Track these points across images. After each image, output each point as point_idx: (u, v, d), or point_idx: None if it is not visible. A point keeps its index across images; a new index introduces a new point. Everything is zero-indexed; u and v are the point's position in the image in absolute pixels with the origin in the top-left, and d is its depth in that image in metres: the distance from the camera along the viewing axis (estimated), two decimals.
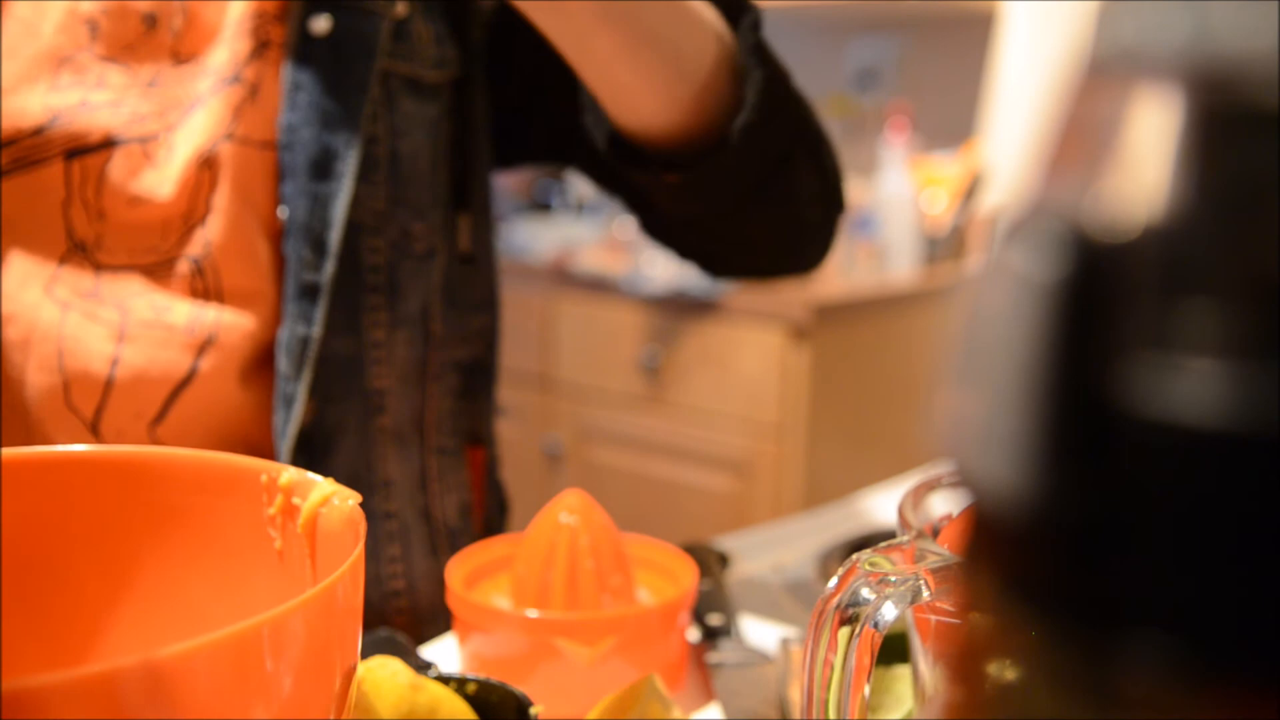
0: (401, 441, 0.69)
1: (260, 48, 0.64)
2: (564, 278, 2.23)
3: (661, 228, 0.77)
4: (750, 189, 0.67)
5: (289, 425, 0.63)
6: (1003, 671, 0.13)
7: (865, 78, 2.57)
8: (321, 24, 0.64)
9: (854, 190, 2.26)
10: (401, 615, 0.70)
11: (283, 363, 0.64)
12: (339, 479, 0.67)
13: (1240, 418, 0.11)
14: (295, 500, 0.36)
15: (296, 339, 0.64)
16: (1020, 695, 0.13)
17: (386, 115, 0.66)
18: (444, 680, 0.44)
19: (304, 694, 0.28)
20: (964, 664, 0.14)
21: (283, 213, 0.64)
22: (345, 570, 0.30)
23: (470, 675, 0.44)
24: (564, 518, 0.57)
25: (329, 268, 0.64)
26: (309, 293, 0.64)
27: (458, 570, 0.58)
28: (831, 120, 2.61)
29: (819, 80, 2.64)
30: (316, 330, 0.64)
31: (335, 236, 0.64)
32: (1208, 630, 0.11)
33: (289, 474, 0.37)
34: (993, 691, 0.14)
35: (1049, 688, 0.13)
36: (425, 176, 0.69)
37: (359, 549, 0.31)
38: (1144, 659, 0.12)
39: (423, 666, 0.48)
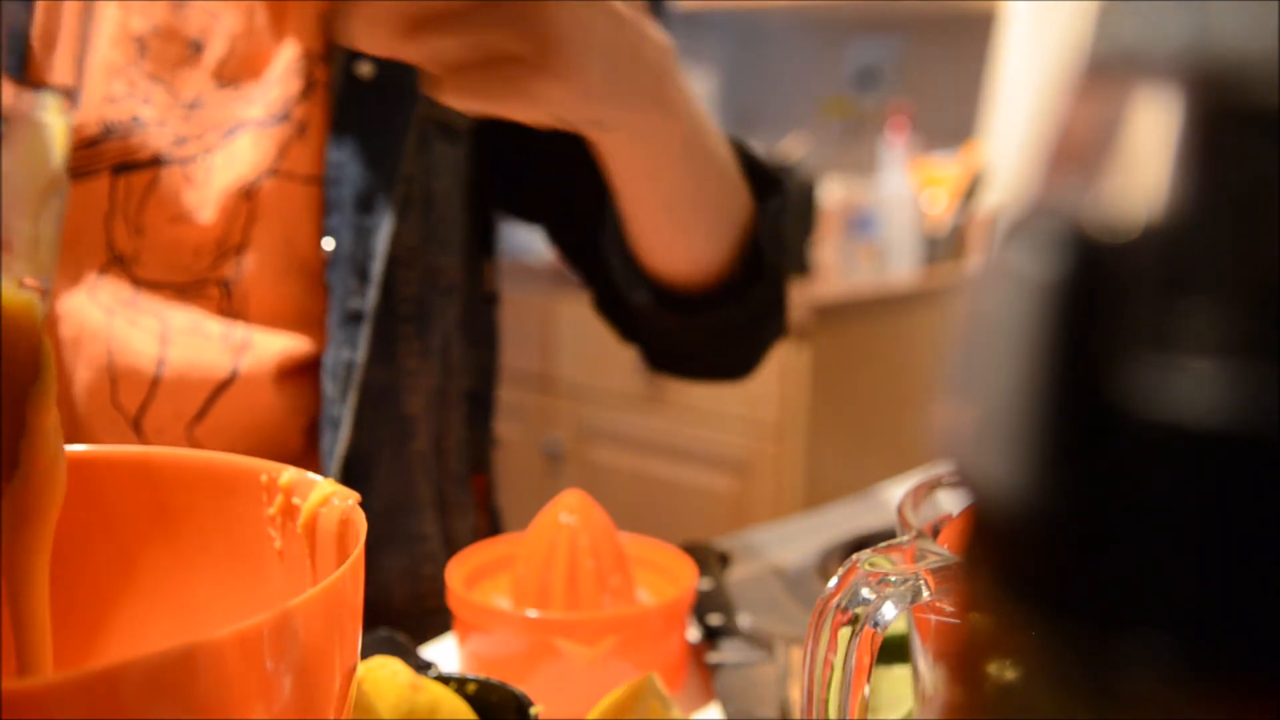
0: (426, 467, 0.72)
1: (309, 88, 0.66)
2: (564, 278, 2.23)
3: (615, 312, 0.80)
4: (731, 335, 0.73)
5: (336, 446, 0.66)
6: (1003, 671, 0.13)
7: (865, 78, 2.57)
8: (365, 68, 0.67)
9: (854, 190, 2.26)
10: (439, 632, 0.72)
11: (329, 386, 0.66)
12: (379, 503, 0.70)
13: (1240, 418, 0.11)
14: (295, 500, 0.36)
15: (342, 363, 0.66)
16: (1020, 695, 0.13)
17: (421, 156, 0.69)
18: (444, 680, 0.44)
19: (304, 694, 0.28)
20: (964, 664, 0.14)
21: (328, 244, 0.66)
22: (345, 570, 0.30)
23: (470, 675, 0.44)
24: (564, 518, 0.57)
25: (372, 295, 0.67)
26: (353, 319, 0.67)
27: (458, 570, 0.58)
28: (831, 120, 2.61)
29: (819, 80, 2.64)
30: (361, 355, 0.66)
31: (377, 267, 0.67)
32: (1208, 630, 0.11)
33: (289, 474, 0.37)
34: (993, 691, 0.14)
35: (1049, 688, 0.13)
36: (453, 215, 0.73)
37: (359, 549, 0.31)
38: (1144, 659, 0.12)
39: (423, 666, 0.48)
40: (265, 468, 0.37)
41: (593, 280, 0.80)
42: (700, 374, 0.80)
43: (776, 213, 0.70)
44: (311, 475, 0.37)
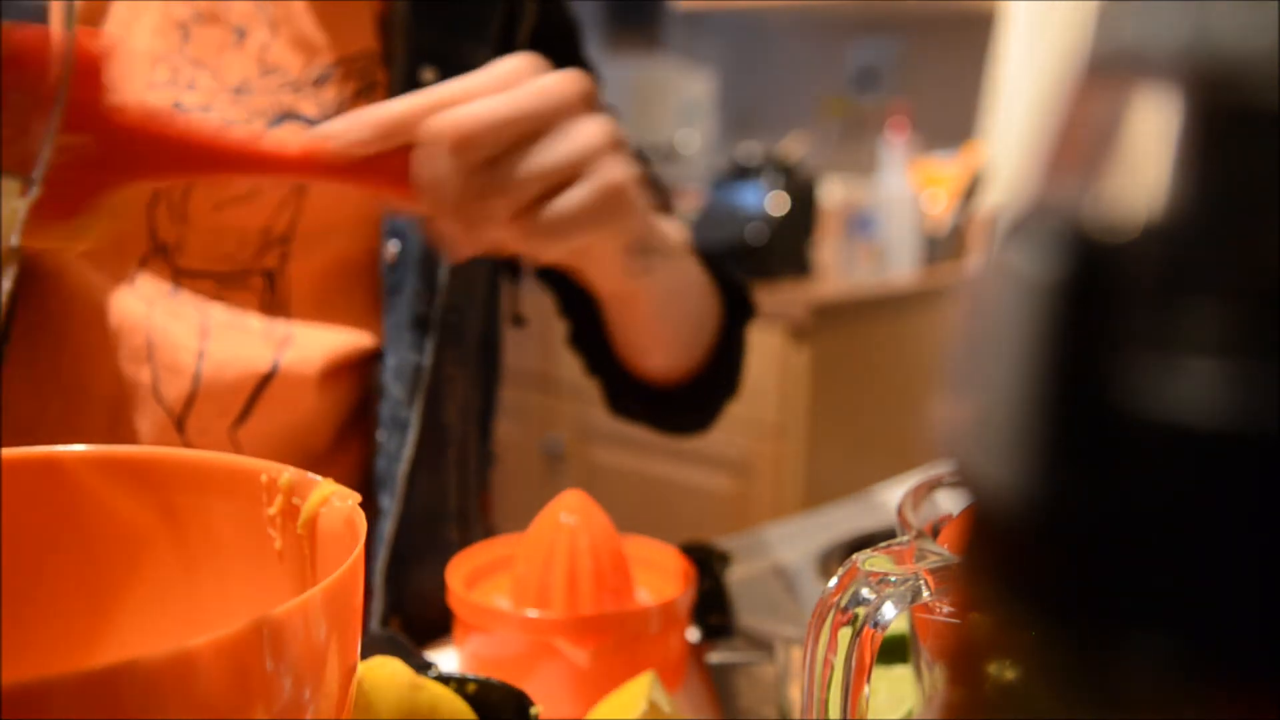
0: (452, 477, 0.73)
1: (368, 89, 0.66)
2: None
3: (585, 349, 0.82)
4: (693, 419, 0.80)
5: (405, 450, 0.67)
6: (1003, 671, 0.13)
7: (865, 78, 2.57)
8: (429, 76, 0.67)
9: (854, 190, 2.26)
10: None
11: (395, 388, 0.67)
12: (420, 511, 0.70)
13: (1240, 418, 0.11)
14: (295, 500, 0.36)
15: (409, 366, 0.67)
16: (1020, 695, 0.13)
17: None
18: (444, 680, 0.44)
19: (304, 694, 0.28)
20: (964, 664, 0.14)
21: (395, 245, 0.67)
22: (345, 570, 0.30)
23: (470, 675, 0.44)
24: (564, 518, 0.57)
25: (439, 301, 0.67)
26: (420, 324, 0.67)
27: (458, 570, 0.58)
28: (831, 120, 2.61)
29: (819, 80, 2.64)
30: (428, 359, 0.67)
31: (443, 274, 0.67)
32: (1207, 630, 0.11)
33: (289, 474, 0.37)
34: (993, 691, 0.14)
35: (1049, 688, 0.13)
36: None
37: (359, 549, 0.31)
38: (1144, 659, 0.12)
39: (423, 666, 0.48)
40: (265, 468, 0.37)
41: (568, 313, 0.81)
42: (657, 429, 0.84)
43: (743, 323, 0.78)
44: (311, 475, 0.37)
